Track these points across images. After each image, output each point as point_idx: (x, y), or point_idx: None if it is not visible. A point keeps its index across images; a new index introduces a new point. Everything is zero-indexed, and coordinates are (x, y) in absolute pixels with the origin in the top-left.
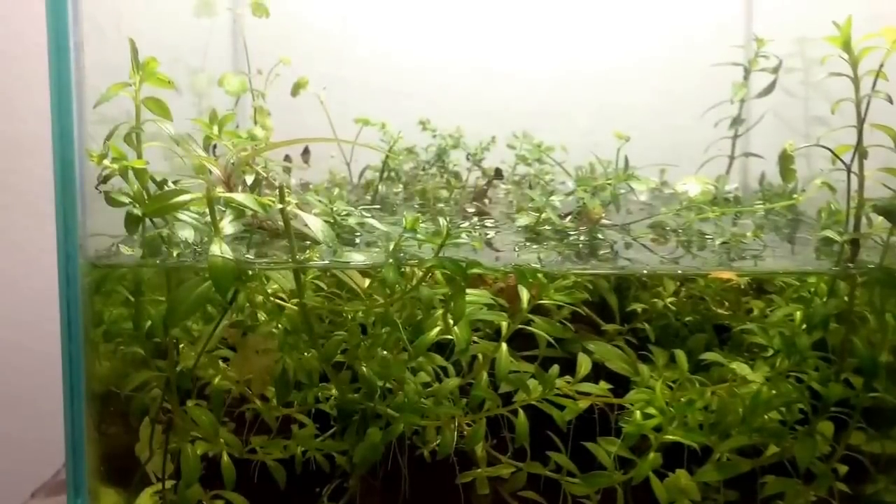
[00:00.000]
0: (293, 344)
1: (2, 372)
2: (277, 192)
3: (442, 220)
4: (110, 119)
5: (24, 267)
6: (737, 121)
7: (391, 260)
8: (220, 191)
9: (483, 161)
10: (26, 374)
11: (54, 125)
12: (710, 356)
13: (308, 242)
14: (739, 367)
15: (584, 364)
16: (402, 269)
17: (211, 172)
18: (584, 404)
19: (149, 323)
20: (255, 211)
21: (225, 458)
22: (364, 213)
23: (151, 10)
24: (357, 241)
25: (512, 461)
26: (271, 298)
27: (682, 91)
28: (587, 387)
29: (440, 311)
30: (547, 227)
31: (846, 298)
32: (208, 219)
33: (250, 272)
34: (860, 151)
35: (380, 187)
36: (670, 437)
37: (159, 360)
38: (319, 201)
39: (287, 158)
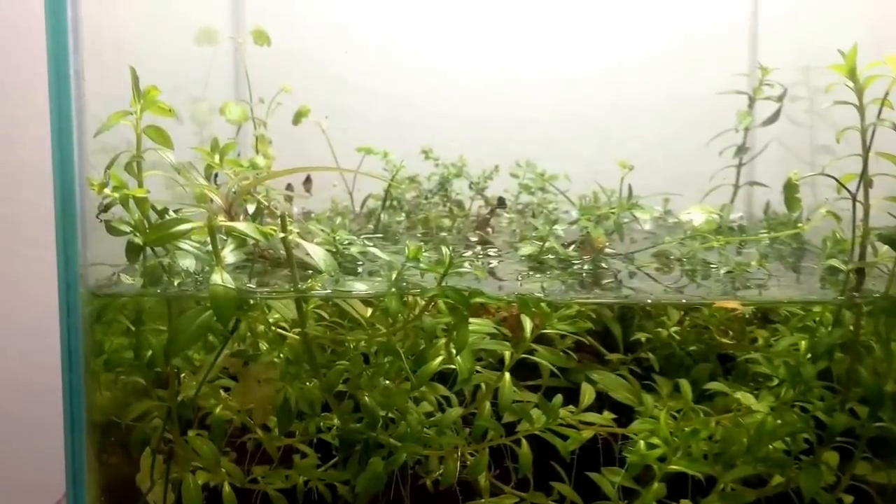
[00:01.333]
0: (295, 373)
1: (2, 402)
2: (279, 220)
3: (445, 249)
4: (111, 148)
5: (24, 296)
6: (741, 149)
7: (394, 289)
8: (221, 220)
9: (486, 190)
10: (26, 403)
11: (55, 154)
12: (714, 386)
13: (310, 271)
14: (744, 397)
15: (587, 393)
16: (405, 299)
17: (212, 201)
18: (587, 434)
19: (150, 352)
20: (256, 240)
21: (226, 488)
22: (366, 242)
23: (152, 39)
24: (359, 270)
25: (515, 491)
26: (273, 328)
27: (687, 119)
28: (591, 416)
29: (443, 341)
30: (550, 256)
31: (851, 328)
32: (209, 248)
33: (252, 301)
34: (865, 180)
35: (382, 216)
36: (674, 467)
37: (160, 389)
38: (321, 230)
39: (289, 187)
